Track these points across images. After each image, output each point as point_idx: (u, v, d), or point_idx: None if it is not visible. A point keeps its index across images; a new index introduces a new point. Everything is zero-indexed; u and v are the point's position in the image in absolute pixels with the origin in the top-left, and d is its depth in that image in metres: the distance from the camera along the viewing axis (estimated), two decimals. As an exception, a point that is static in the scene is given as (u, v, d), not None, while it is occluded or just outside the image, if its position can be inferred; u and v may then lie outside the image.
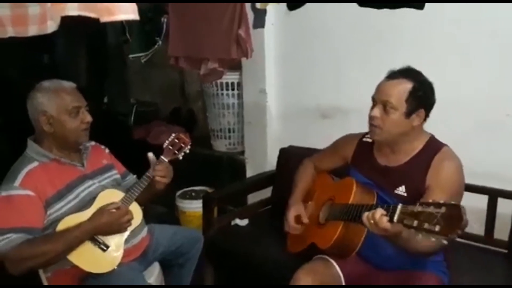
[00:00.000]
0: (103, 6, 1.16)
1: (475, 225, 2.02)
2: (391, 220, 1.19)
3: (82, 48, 3.25)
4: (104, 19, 1.18)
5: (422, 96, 1.46)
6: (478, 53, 2.02)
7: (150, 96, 4.05)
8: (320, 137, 2.04)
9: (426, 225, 1.05)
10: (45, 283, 1.62)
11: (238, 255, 2.13)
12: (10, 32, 1.37)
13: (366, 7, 1.84)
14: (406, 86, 1.45)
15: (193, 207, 2.86)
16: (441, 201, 1.07)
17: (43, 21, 1.37)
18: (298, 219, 1.76)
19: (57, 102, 1.57)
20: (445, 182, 1.43)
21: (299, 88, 2.66)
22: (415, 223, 1.09)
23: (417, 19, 1.97)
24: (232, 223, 2.33)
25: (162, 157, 1.71)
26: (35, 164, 1.55)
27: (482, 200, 1.98)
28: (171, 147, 1.73)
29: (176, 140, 1.74)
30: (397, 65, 1.54)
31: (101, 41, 3.09)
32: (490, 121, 2.03)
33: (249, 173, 2.92)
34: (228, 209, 2.69)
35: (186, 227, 2.76)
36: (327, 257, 1.62)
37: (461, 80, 2.03)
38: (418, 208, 1.10)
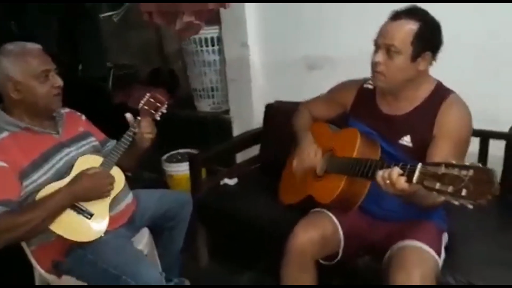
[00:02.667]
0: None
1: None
2: (409, 181, 1.12)
3: (50, 11, 3.05)
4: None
5: (429, 37, 1.35)
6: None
7: (127, 58, 3.89)
8: (308, 90, 1.93)
9: (450, 189, 0.98)
10: (30, 256, 1.57)
11: (230, 214, 2.10)
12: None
13: None
14: (411, 27, 1.34)
15: (181, 170, 2.80)
16: (448, 151, 0.99)
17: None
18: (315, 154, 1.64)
19: (22, 66, 1.45)
20: (452, 130, 1.36)
21: (283, 39, 2.53)
22: (438, 185, 1.01)
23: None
24: (221, 183, 2.29)
25: (138, 118, 1.63)
26: (5, 134, 1.45)
27: (473, 143, 1.94)
28: (146, 107, 1.65)
29: (152, 100, 1.65)
30: (388, 7, 1.41)
31: (69, 2, 2.89)
32: (481, 61, 1.94)
33: (236, 132, 2.84)
34: (217, 169, 2.64)
35: (174, 190, 2.71)
36: (326, 211, 1.58)
37: (452, 16, 1.92)
38: (442, 169, 1.02)
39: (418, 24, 1.34)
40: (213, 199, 2.18)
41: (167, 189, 2.80)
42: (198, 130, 3.05)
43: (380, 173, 1.20)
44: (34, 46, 1.51)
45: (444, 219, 1.56)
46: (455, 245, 1.58)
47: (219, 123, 2.95)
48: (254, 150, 2.55)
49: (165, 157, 2.97)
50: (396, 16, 1.38)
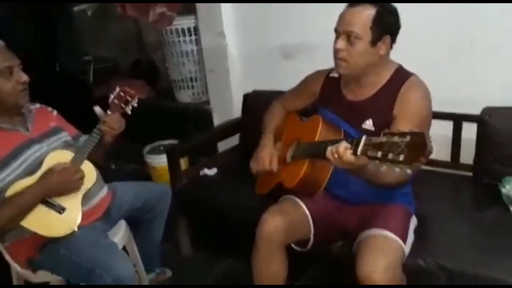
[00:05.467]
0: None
1: (442, 152, 2.01)
2: (355, 153, 1.14)
3: (22, 7, 2.98)
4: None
5: (387, 21, 1.38)
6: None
7: (107, 50, 3.83)
8: (286, 78, 1.94)
9: (390, 156, 1.00)
10: (4, 253, 1.57)
11: (209, 204, 2.11)
12: None
13: None
14: (369, 12, 1.36)
15: (163, 161, 2.74)
16: (406, 130, 1.01)
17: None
18: (269, 161, 1.71)
19: None
20: (412, 111, 1.39)
21: (259, 28, 2.51)
22: (379, 154, 1.03)
23: None
24: (201, 173, 2.29)
25: (108, 111, 1.62)
26: (-27, 132, 1.44)
27: (447, 126, 1.97)
28: (116, 102, 1.64)
29: (122, 94, 1.64)
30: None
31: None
32: (454, 46, 1.96)
33: (217, 122, 2.83)
34: (200, 160, 2.64)
35: (154, 182, 2.71)
36: (294, 197, 1.61)
37: (422, 5, 1.93)
38: (382, 138, 1.04)
39: (375, 9, 1.37)
40: (192, 190, 2.18)
41: (150, 180, 2.80)
42: (179, 121, 3.02)
43: (329, 149, 1.23)
44: None
45: (412, 202, 1.58)
46: (426, 228, 1.60)
47: (200, 113, 2.93)
48: (235, 140, 2.55)
49: (147, 148, 2.95)
50: (354, 3, 1.40)
